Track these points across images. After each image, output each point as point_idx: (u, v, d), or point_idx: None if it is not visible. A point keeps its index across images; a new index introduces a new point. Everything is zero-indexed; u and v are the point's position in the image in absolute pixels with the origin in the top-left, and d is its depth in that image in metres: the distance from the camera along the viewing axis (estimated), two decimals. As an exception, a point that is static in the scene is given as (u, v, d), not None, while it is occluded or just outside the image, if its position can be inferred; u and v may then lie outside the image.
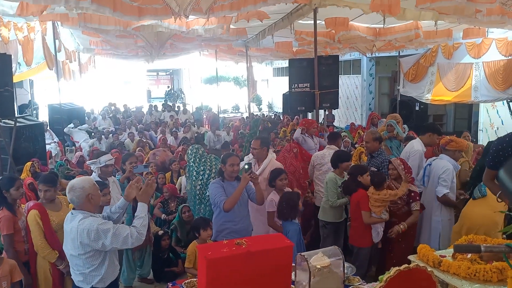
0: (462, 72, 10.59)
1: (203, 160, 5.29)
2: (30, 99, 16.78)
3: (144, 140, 11.32)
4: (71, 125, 12.45)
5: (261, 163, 4.90)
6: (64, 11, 6.46)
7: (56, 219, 4.02)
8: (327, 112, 14.22)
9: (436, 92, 11.48)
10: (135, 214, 3.19)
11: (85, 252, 3.01)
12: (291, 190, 4.76)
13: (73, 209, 3.15)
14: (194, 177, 5.27)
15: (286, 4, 6.25)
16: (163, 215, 6.29)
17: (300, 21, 7.70)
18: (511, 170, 1.96)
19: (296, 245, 4.21)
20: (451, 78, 10.90)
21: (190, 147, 5.64)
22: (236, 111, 26.26)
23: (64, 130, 11.96)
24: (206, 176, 5.23)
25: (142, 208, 3.20)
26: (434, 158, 4.93)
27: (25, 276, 3.89)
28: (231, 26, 8.34)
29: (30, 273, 4.07)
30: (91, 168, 4.91)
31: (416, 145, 5.20)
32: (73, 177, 6.71)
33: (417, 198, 4.49)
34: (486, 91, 10.03)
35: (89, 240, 2.95)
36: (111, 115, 16.69)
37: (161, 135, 12.17)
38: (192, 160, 5.29)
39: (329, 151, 5.59)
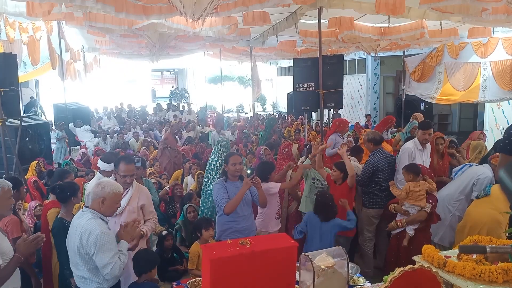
0: (470, 71, 10.53)
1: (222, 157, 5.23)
2: (35, 98, 16.88)
3: (149, 140, 11.36)
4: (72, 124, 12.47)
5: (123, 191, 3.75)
6: (69, 10, 6.49)
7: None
8: (333, 112, 14.23)
9: (444, 92, 11.42)
10: (119, 249, 3.12)
11: (80, 252, 2.98)
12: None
13: (85, 206, 3.15)
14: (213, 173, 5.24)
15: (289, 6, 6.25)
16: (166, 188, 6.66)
17: (304, 21, 7.68)
18: (511, 170, 1.95)
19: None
20: (460, 78, 10.82)
21: (216, 144, 5.49)
22: (240, 111, 26.29)
23: (69, 127, 12.00)
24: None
25: (124, 246, 3.18)
26: (474, 164, 5.09)
27: (34, 278, 3.92)
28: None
29: (41, 273, 4.12)
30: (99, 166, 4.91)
31: (407, 143, 5.36)
32: (80, 176, 6.75)
33: (430, 201, 4.49)
34: (493, 91, 9.98)
35: (86, 241, 2.93)
36: (115, 115, 16.75)
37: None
38: (212, 157, 5.26)
39: (354, 163, 5.59)
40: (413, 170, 4.56)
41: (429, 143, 5.61)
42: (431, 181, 4.61)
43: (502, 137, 3.14)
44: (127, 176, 3.84)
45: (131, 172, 3.92)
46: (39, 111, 16.44)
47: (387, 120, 8.89)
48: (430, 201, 4.47)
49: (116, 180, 3.76)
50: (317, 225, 4.37)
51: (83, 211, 3.11)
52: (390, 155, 5.38)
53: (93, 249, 2.93)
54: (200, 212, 5.41)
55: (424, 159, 5.38)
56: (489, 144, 7.40)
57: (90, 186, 4.29)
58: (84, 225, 2.97)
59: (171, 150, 8.81)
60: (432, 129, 5.44)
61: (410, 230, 4.48)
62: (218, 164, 5.11)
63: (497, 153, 4.83)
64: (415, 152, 5.29)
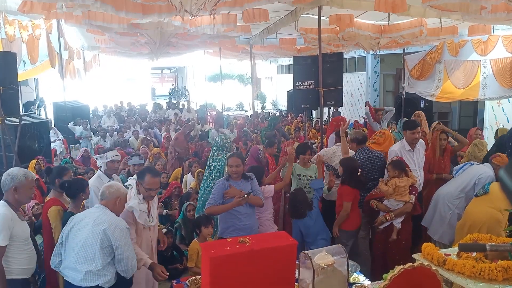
0: (470, 69, 10.49)
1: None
2: (35, 97, 16.86)
3: (149, 138, 11.35)
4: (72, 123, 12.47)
5: None
6: (70, 10, 6.48)
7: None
8: (333, 110, 14.22)
9: (444, 90, 11.39)
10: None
11: (103, 244, 3.03)
12: None
13: (100, 203, 3.26)
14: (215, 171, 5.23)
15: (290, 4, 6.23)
16: (165, 210, 6.50)
17: (304, 16, 7.66)
18: (511, 170, 1.94)
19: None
20: (460, 76, 10.78)
21: (217, 140, 5.41)
22: (240, 109, 26.27)
23: (69, 126, 12.00)
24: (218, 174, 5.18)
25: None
26: (474, 163, 5.03)
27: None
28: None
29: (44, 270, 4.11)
30: (98, 164, 4.94)
31: (393, 146, 5.34)
32: (80, 174, 6.76)
33: (414, 192, 4.66)
34: (493, 89, 9.96)
35: (112, 233, 3.01)
36: (115, 113, 16.74)
37: (165, 132, 12.21)
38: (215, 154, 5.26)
39: (339, 148, 5.57)
40: (400, 167, 4.66)
41: (423, 141, 5.56)
42: (412, 174, 4.76)
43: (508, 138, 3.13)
44: (152, 189, 3.72)
45: (157, 185, 3.82)
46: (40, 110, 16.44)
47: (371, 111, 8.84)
48: (414, 192, 4.64)
49: (139, 192, 3.66)
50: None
51: (99, 207, 3.22)
52: (376, 154, 5.27)
53: (119, 242, 3.01)
54: (197, 207, 5.42)
55: (415, 159, 5.24)
56: (489, 141, 7.39)
57: (92, 183, 4.34)
58: (107, 219, 3.06)
59: (179, 150, 8.94)
60: (419, 128, 5.30)
61: (398, 224, 4.60)
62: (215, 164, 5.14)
63: (499, 153, 4.80)
64: (402, 153, 5.15)
